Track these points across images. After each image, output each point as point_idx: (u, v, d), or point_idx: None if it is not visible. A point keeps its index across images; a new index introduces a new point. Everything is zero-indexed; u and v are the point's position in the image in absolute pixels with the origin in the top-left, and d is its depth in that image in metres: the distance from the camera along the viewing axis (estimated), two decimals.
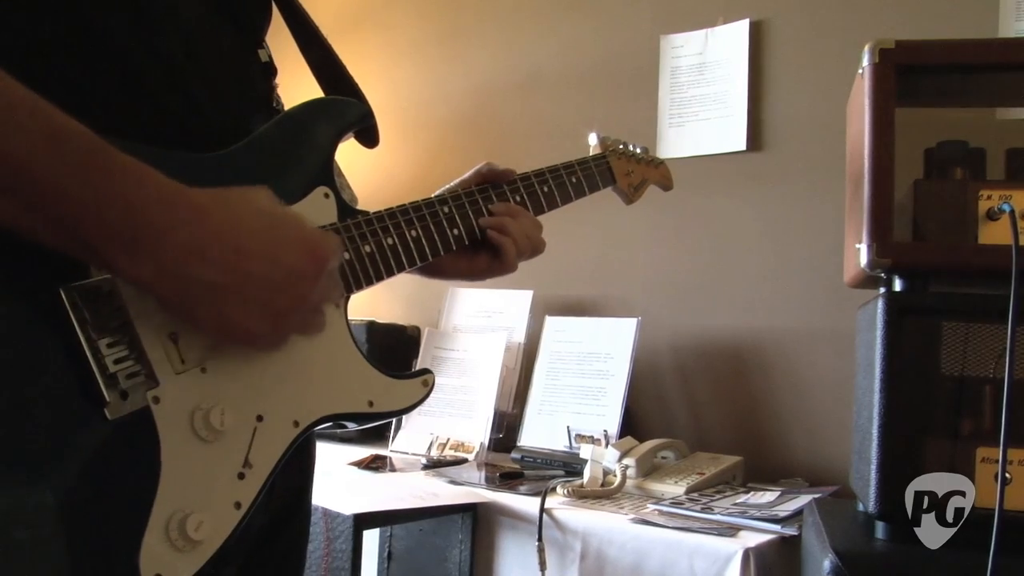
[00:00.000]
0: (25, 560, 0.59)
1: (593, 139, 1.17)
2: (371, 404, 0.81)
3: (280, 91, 0.89)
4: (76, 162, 0.59)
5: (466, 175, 1.02)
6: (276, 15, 0.91)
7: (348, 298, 0.82)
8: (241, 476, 0.71)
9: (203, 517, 0.67)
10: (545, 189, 1.04)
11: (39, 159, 0.57)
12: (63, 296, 0.63)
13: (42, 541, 0.60)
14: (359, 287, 0.83)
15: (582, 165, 1.11)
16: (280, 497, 0.83)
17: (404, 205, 0.88)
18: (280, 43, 0.91)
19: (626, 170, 1.18)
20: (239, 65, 0.83)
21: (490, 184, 1.00)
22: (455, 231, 0.92)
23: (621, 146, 1.20)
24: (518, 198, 1.01)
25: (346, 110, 0.87)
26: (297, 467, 0.88)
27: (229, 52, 0.82)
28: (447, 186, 1.01)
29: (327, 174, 0.83)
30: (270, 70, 0.86)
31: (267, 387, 0.74)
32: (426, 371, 0.86)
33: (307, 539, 0.94)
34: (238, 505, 0.70)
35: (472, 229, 0.95)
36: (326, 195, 0.82)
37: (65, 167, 0.58)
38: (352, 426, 0.82)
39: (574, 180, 1.09)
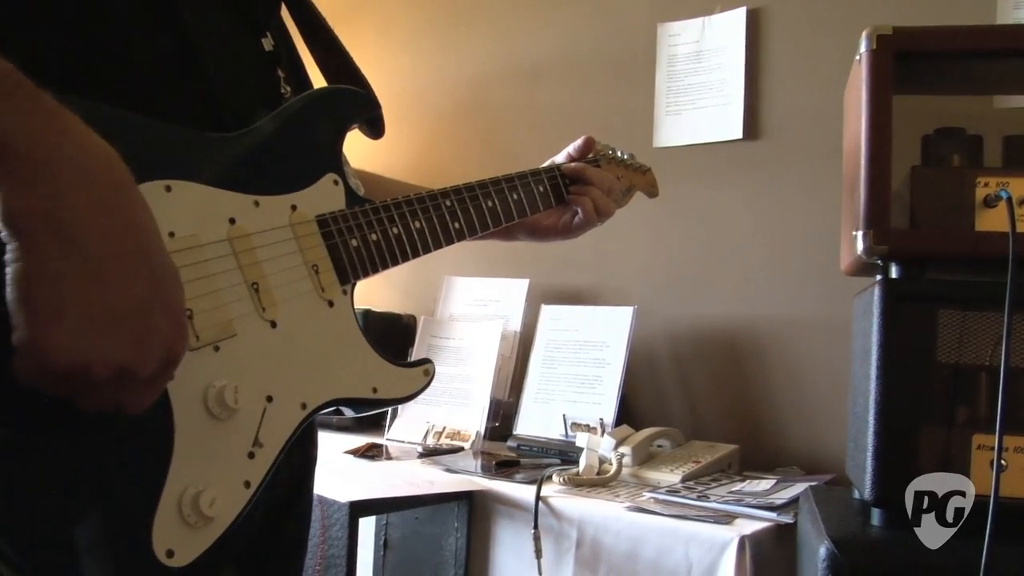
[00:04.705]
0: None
1: None
2: (375, 391, 0.82)
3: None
4: None
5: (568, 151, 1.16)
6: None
7: (355, 285, 0.83)
8: (251, 455, 0.71)
9: (215, 494, 0.67)
10: (541, 189, 1.06)
11: None
12: None
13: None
14: (365, 274, 0.83)
15: None
16: (283, 484, 0.83)
17: (410, 196, 0.90)
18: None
19: (615, 175, 1.19)
20: (244, 53, 0.83)
21: (487, 181, 1.00)
22: (456, 224, 0.94)
23: (610, 151, 1.20)
24: (515, 196, 1.02)
25: (355, 99, 0.87)
26: (301, 453, 0.89)
27: (233, 39, 0.81)
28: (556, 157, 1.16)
29: (336, 161, 0.83)
30: (275, 58, 0.85)
31: (276, 369, 0.74)
32: (427, 360, 0.87)
33: (309, 526, 0.94)
34: (247, 484, 0.70)
35: (472, 222, 0.96)
36: (335, 182, 0.83)
37: None
38: (352, 412, 0.83)
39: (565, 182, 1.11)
